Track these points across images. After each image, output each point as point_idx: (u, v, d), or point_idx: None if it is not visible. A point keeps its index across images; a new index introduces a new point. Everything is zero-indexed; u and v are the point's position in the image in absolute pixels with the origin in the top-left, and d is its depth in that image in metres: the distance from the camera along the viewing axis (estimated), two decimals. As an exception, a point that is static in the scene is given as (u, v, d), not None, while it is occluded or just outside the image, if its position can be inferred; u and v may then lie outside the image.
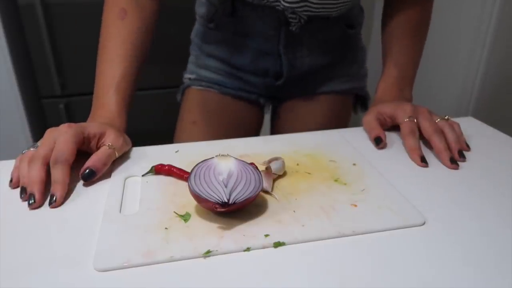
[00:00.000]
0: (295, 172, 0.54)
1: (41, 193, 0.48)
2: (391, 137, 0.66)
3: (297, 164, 0.56)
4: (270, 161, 0.54)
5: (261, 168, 0.53)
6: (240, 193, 0.43)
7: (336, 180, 0.53)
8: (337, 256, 0.40)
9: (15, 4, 1.60)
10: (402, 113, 0.63)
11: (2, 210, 0.47)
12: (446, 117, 0.63)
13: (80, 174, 0.51)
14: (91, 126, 0.55)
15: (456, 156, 0.58)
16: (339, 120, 0.90)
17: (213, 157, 0.47)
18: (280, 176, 0.53)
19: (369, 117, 0.67)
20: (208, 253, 0.40)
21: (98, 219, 0.45)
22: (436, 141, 0.59)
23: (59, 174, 0.48)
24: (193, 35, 0.90)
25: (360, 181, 0.53)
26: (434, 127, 0.60)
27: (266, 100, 0.90)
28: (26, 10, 1.61)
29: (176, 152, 0.60)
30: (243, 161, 0.47)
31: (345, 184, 0.52)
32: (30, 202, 0.47)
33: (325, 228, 0.43)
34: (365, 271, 0.39)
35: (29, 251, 0.41)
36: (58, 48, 1.69)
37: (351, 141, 0.64)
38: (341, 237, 0.43)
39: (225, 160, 0.46)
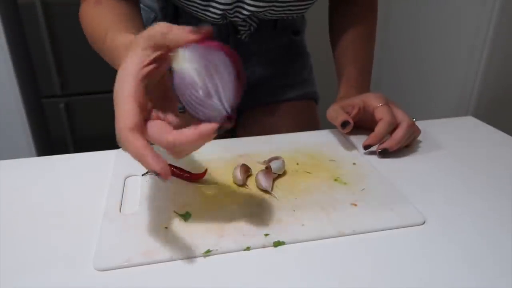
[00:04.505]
0: (295, 172, 0.54)
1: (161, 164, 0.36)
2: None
3: (297, 164, 0.56)
4: (270, 161, 0.54)
5: (261, 167, 0.53)
6: (226, 93, 0.37)
7: (336, 180, 0.53)
8: (337, 255, 0.40)
9: (15, 3, 1.61)
10: (376, 99, 0.61)
11: (2, 210, 0.47)
12: (413, 119, 0.62)
13: None
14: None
15: (377, 148, 0.59)
16: (306, 125, 0.87)
17: (170, 68, 0.38)
18: (280, 176, 0.53)
19: (334, 106, 0.65)
20: (208, 253, 0.40)
21: (98, 218, 0.45)
22: (384, 127, 0.58)
23: (132, 147, 0.36)
24: None
25: (360, 180, 0.53)
26: (404, 119, 0.59)
27: None
28: (26, 9, 1.61)
29: (176, 151, 0.60)
30: (199, 47, 0.38)
31: (345, 183, 0.52)
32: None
33: (325, 228, 0.43)
34: (365, 271, 0.39)
35: (29, 251, 0.41)
36: (58, 48, 1.69)
37: (351, 141, 0.64)
38: (341, 236, 0.43)
39: (178, 64, 0.38)
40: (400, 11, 2.02)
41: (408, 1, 1.96)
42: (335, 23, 0.78)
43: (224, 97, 0.38)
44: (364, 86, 0.72)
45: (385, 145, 0.58)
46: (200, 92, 0.38)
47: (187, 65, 0.39)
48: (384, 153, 0.59)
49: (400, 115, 0.60)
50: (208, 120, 0.37)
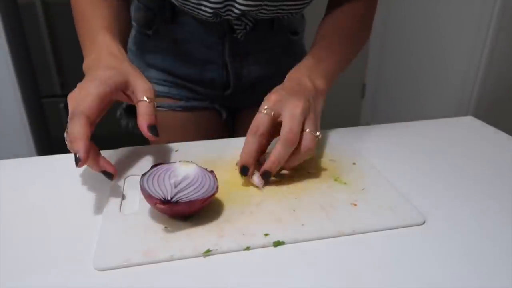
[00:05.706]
0: (295, 171, 0.54)
1: (85, 150, 0.43)
2: (391, 137, 0.66)
3: (297, 164, 0.56)
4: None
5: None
6: (187, 195, 0.43)
7: (336, 180, 0.53)
8: (337, 255, 0.40)
9: (15, 3, 1.61)
10: (265, 102, 0.53)
11: (2, 210, 0.47)
12: (318, 134, 0.52)
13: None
14: (112, 76, 0.49)
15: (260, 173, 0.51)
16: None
17: (176, 162, 0.47)
18: (280, 176, 0.53)
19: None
20: (207, 252, 0.40)
21: (98, 218, 0.45)
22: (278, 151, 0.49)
23: (75, 128, 0.44)
24: (130, 44, 0.81)
25: (360, 180, 0.53)
26: (289, 135, 0.49)
27: (221, 107, 0.84)
28: (26, 9, 1.61)
29: (176, 151, 0.60)
30: (205, 168, 0.47)
31: (345, 183, 0.52)
32: (77, 161, 0.44)
33: (325, 227, 0.43)
34: (365, 271, 0.39)
35: (29, 250, 0.41)
36: (58, 48, 1.70)
37: (351, 141, 0.64)
38: (341, 236, 0.43)
39: (187, 166, 0.47)
40: (400, 11, 2.02)
41: (408, 1, 1.96)
42: (323, 19, 0.72)
43: (179, 191, 0.43)
44: (315, 75, 0.60)
45: (265, 167, 0.50)
46: (172, 180, 0.45)
47: (194, 165, 0.47)
48: (267, 177, 0.50)
49: (286, 121, 0.50)
50: (149, 194, 0.43)
